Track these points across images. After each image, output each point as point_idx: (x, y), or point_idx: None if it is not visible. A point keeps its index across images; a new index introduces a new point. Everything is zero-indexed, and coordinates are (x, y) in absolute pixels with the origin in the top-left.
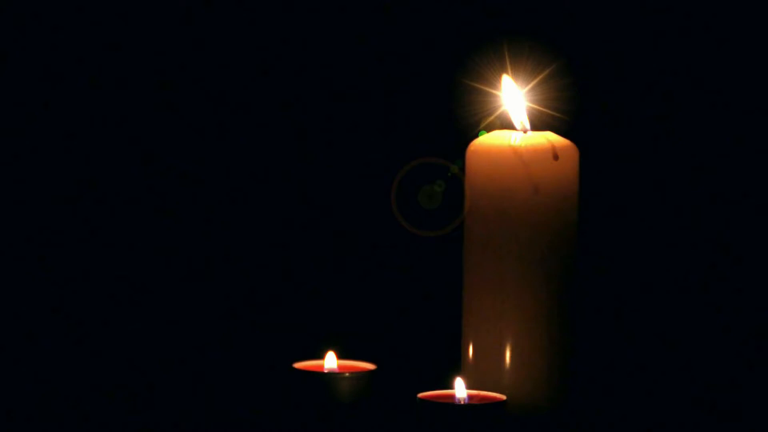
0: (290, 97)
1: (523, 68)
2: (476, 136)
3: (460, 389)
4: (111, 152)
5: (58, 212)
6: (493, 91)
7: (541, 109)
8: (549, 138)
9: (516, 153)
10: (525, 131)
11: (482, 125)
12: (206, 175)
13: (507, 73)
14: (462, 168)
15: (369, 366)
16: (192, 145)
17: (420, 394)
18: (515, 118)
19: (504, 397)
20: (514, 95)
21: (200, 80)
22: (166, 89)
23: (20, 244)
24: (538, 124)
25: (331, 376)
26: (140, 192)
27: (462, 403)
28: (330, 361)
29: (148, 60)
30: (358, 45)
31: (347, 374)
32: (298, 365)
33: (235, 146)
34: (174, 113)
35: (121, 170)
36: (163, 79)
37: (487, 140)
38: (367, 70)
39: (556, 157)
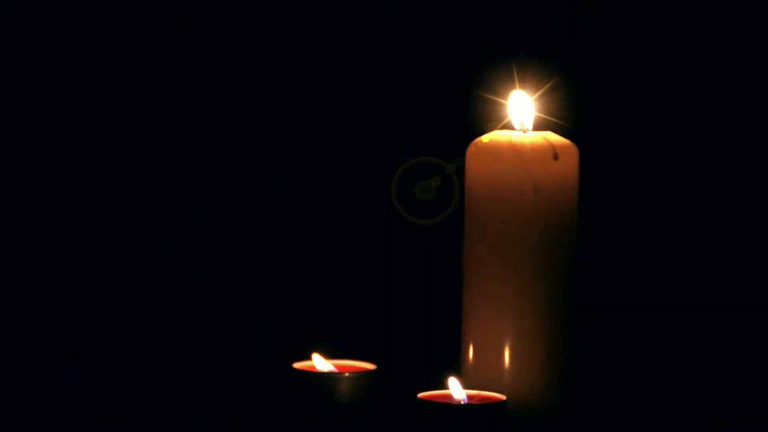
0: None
1: (528, 79)
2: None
3: (455, 389)
4: (108, 152)
5: (56, 212)
6: (499, 100)
7: (546, 117)
8: (549, 138)
9: (516, 153)
10: (524, 131)
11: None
12: (206, 174)
13: (513, 81)
14: (460, 166)
15: (369, 366)
16: (193, 145)
17: (420, 394)
18: (517, 120)
19: (504, 397)
20: (521, 104)
21: (212, 81)
22: (166, 87)
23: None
24: (540, 128)
25: (331, 376)
26: (140, 191)
27: (462, 403)
28: (320, 363)
29: (144, 58)
30: (367, 51)
31: (347, 374)
32: (298, 365)
33: (236, 144)
34: (180, 111)
35: (120, 169)
36: (162, 78)
37: (488, 140)
38: (384, 75)
39: (556, 156)
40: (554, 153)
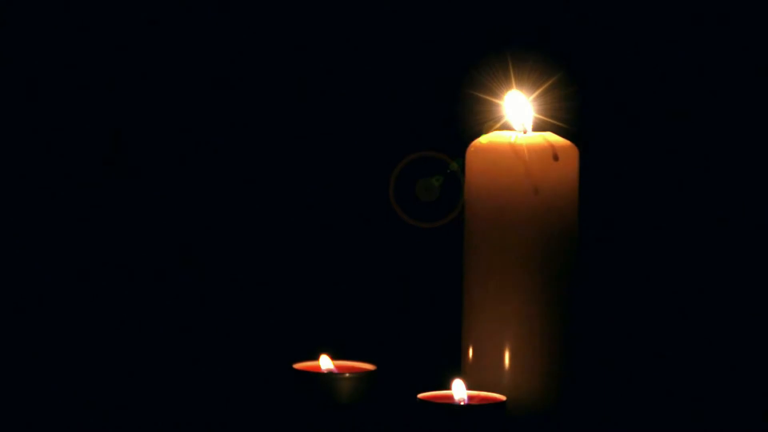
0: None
1: (526, 77)
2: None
3: (458, 390)
4: (102, 153)
5: (52, 211)
6: (496, 100)
7: (544, 118)
8: (549, 138)
9: (516, 153)
10: (524, 132)
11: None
12: (205, 174)
13: (510, 80)
14: (462, 165)
15: (369, 366)
16: (192, 144)
17: (420, 395)
18: (516, 121)
19: (504, 398)
20: (518, 105)
21: (210, 80)
22: (162, 85)
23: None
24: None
25: (331, 376)
26: (139, 191)
27: (462, 403)
28: (325, 363)
29: (141, 56)
30: (365, 49)
31: (347, 374)
32: (297, 365)
33: (235, 143)
34: (178, 112)
35: (118, 169)
36: (158, 77)
37: (488, 140)
38: (378, 72)
39: (556, 157)
40: (554, 154)
